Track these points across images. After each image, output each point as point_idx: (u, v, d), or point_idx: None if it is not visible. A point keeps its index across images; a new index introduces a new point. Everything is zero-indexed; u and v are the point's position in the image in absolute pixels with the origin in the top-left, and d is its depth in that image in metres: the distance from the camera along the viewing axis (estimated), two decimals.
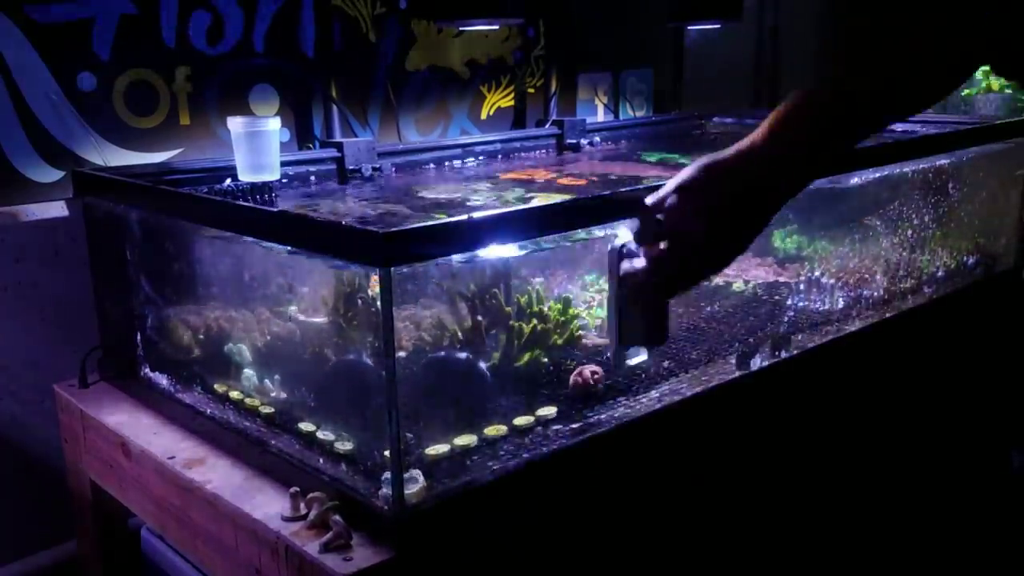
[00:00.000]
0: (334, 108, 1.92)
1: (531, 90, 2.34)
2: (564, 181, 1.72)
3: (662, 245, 1.03)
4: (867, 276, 1.81)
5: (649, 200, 1.03)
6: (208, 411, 1.35)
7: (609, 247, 1.09)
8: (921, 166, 1.84)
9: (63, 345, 1.62)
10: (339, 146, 1.76)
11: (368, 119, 2.03)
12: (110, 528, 1.55)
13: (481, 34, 2.20)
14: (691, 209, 0.97)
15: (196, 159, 1.72)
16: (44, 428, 1.63)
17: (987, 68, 2.82)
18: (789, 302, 1.78)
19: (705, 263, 1.01)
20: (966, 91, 2.93)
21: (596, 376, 1.33)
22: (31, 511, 1.66)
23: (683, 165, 1.04)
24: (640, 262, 1.04)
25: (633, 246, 1.06)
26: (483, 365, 1.29)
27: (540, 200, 1.50)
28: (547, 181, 1.72)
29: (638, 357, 1.18)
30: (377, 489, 1.07)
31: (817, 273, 1.83)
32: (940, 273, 1.96)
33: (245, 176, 1.51)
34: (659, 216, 1.01)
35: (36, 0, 1.54)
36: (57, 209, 1.62)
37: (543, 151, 2.13)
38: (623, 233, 1.09)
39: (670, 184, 1.00)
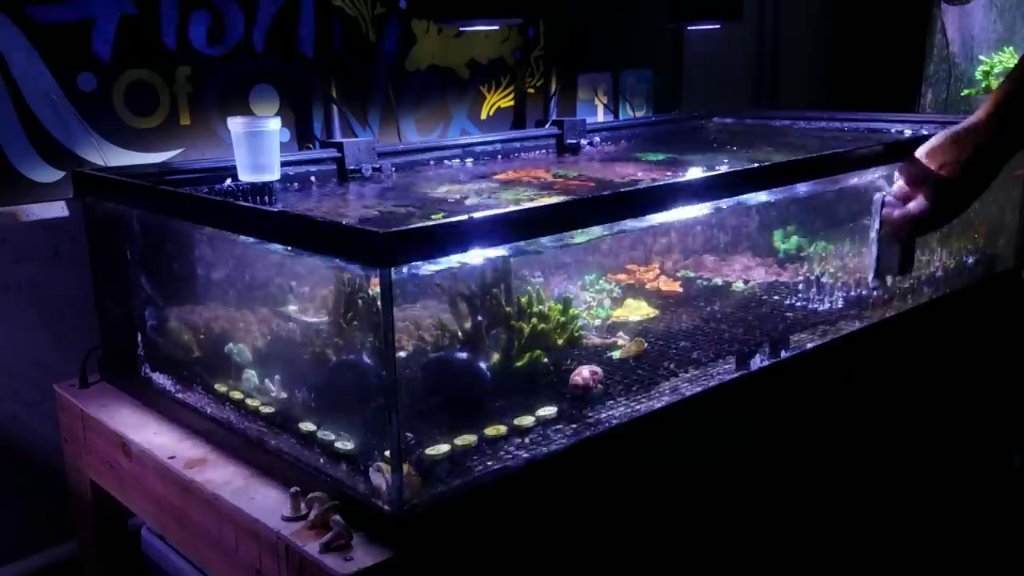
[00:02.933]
0: (334, 108, 1.92)
1: (531, 90, 2.34)
2: (568, 182, 1.72)
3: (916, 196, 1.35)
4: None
5: (906, 161, 1.35)
6: (208, 411, 1.35)
7: (874, 196, 1.43)
8: None
9: (63, 345, 1.62)
10: (339, 146, 1.76)
11: (368, 119, 2.03)
12: (110, 528, 1.55)
13: (481, 34, 2.20)
14: (936, 167, 1.29)
15: (196, 159, 1.72)
16: (44, 428, 1.63)
17: (987, 68, 2.82)
18: (789, 302, 1.78)
19: (947, 210, 1.34)
20: (966, 91, 2.94)
21: (596, 376, 1.33)
22: (31, 511, 1.66)
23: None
24: (897, 208, 1.38)
25: (891, 196, 1.39)
26: (483, 365, 1.29)
27: (540, 200, 1.50)
28: (547, 181, 1.72)
29: (889, 279, 1.56)
30: (377, 489, 1.07)
31: (817, 273, 1.83)
32: (940, 273, 1.96)
33: (245, 176, 1.51)
34: (914, 172, 1.33)
35: (36, 0, 1.55)
36: (57, 209, 1.62)
37: (543, 151, 2.13)
38: (885, 185, 1.44)
39: (921, 148, 1.32)
